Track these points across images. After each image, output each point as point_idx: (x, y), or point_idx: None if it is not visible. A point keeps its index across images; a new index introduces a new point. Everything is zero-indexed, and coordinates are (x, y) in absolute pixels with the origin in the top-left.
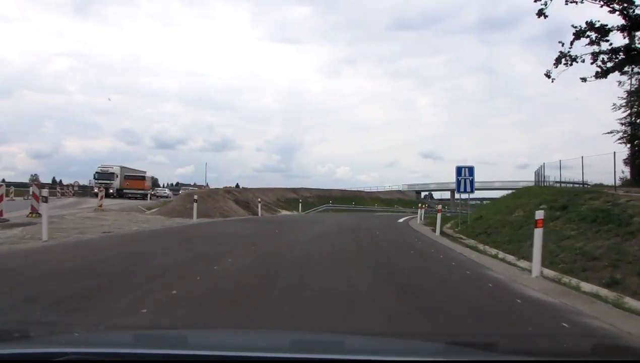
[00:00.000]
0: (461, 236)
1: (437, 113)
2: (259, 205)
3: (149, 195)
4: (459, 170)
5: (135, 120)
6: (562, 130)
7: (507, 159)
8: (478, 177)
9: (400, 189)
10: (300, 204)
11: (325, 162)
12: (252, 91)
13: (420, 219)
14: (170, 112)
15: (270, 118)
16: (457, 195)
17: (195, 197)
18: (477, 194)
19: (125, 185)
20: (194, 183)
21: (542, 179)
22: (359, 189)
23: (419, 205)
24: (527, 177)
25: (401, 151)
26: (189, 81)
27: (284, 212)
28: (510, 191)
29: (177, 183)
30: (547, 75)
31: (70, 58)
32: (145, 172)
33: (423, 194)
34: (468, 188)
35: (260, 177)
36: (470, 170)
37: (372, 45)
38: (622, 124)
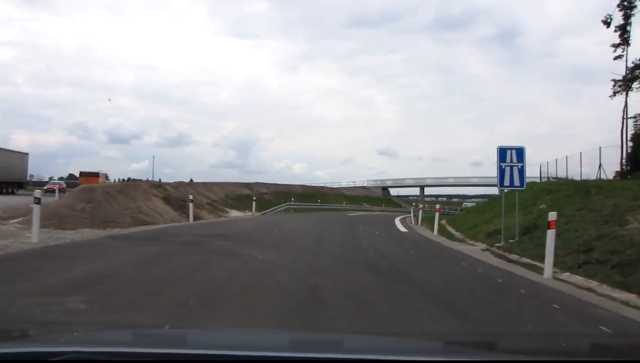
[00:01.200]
0: (541, 265)
1: (393, 110)
2: (191, 205)
3: None
4: (502, 153)
5: (88, 114)
6: (514, 129)
7: (460, 157)
8: (433, 173)
9: (365, 185)
10: (254, 203)
11: (282, 158)
12: (209, 86)
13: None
14: (124, 106)
15: (227, 113)
16: (499, 191)
17: (37, 195)
18: (431, 191)
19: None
20: (147, 179)
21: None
22: (320, 185)
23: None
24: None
25: (358, 148)
26: (144, 75)
27: (234, 214)
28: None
29: (129, 179)
30: (607, 23)
31: (18, 48)
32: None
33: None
34: (516, 182)
35: (217, 172)
36: (520, 153)
37: (330, 41)
38: None
